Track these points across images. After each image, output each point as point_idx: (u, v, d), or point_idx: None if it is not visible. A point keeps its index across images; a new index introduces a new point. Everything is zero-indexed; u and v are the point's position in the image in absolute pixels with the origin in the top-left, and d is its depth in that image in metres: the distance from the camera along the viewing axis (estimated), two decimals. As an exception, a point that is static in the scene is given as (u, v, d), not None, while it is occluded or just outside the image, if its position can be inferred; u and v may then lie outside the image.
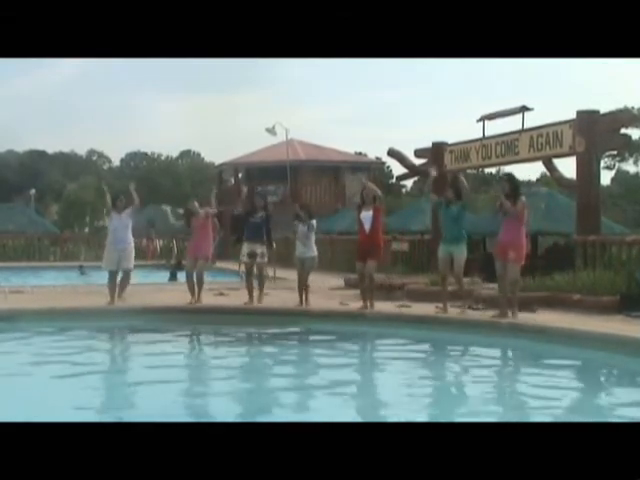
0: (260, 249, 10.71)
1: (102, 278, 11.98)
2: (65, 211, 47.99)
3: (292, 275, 11.54)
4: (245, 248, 10.78)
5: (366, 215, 10.19)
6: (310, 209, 10.99)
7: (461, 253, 9.74)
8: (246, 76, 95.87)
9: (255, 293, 10.76)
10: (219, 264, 19.60)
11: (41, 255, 25.95)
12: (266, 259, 10.83)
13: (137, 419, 5.15)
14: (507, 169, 19.21)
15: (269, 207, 11.13)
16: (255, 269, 10.84)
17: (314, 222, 10.72)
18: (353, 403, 5.83)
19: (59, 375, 6.62)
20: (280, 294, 10.95)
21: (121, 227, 10.86)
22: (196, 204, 11.17)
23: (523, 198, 9.22)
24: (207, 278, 11.45)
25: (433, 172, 10.74)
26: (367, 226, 10.16)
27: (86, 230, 29.27)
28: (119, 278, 10.96)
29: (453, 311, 9.73)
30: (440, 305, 9.91)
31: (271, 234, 10.95)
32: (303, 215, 10.72)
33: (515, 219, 9.06)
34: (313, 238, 10.70)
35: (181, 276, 17.43)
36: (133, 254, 11.10)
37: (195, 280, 10.87)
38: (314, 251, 10.68)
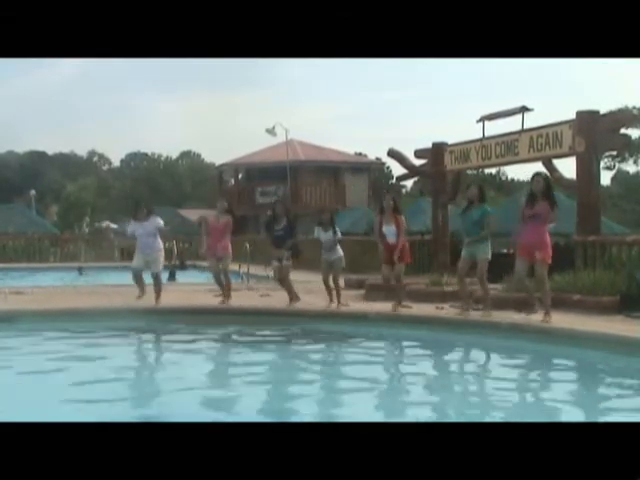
0: (286, 253, 10.75)
1: (101, 279, 12.02)
2: (65, 212, 48.02)
3: (298, 277, 11.56)
4: (274, 253, 10.84)
5: (389, 230, 10.17)
6: (333, 215, 11.00)
7: (484, 255, 9.53)
8: (246, 76, 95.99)
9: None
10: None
11: (41, 256, 25.94)
12: (290, 262, 10.85)
13: (137, 419, 5.15)
14: (507, 169, 19.13)
15: (290, 213, 11.18)
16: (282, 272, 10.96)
17: (338, 231, 10.75)
18: (353, 403, 5.83)
19: (58, 375, 6.63)
20: (283, 295, 10.95)
21: (145, 234, 10.90)
22: (225, 204, 11.29)
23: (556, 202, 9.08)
24: (206, 279, 11.49)
25: None
26: (392, 240, 10.14)
27: (86, 230, 29.31)
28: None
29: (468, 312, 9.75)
30: (440, 305, 9.90)
31: (296, 241, 11.03)
32: (325, 222, 10.69)
33: (541, 220, 8.89)
34: (337, 242, 10.74)
35: (180, 276, 17.58)
36: (161, 259, 11.10)
37: (223, 280, 11.06)
38: (340, 252, 10.70)
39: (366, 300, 11.56)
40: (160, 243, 11.13)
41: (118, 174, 70.67)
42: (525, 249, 8.97)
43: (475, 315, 9.49)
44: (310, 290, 11.94)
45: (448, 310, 9.97)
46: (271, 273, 11.45)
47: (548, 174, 9.40)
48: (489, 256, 9.59)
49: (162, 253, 11.15)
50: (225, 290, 11.03)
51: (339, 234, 10.75)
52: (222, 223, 11.09)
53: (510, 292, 10.26)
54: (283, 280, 10.87)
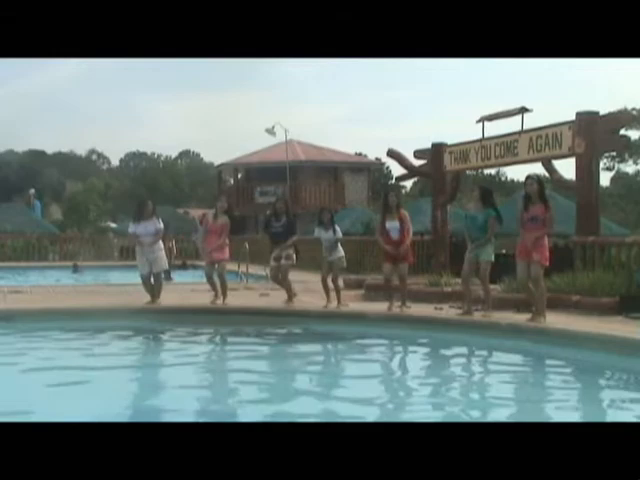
0: (285, 252, 10.70)
1: (97, 277, 11.95)
2: (68, 211, 47.96)
3: (296, 277, 11.55)
4: (274, 253, 10.80)
5: (392, 226, 10.10)
6: (332, 215, 10.93)
7: (488, 257, 9.53)
8: (246, 76, 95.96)
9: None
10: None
11: (40, 255, 25.91)
12: (291, 261, 10.80)
13: (137, 419, 5.15)
14: (506, 170, 19.08)
15: (290, 211, 11.10)
16: (279, 272, 10.90)
17: (339, 230, 10.69)
18: (353, 403, 5.83)
19: (58, 375, 6.62)
20: (282, 295, 10.95)
21: (147, 235, 10.83)
22: (225, 205, 11.23)
23: (549, 203, 9.10)
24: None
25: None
26: (395, 236, 10.07)
27: (86, 230, 29.54)
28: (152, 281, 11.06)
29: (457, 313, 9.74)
30: (439, 306, 9.89)
31: (294, 238, 10.86)
32: (326, 222, 10.64)
33: (539, 222, 8.89)
34: (338, 242, 10.69)
35: (180, 276, 17.54)
36: (163, 258, 11.07)
37: (219, 283, 11.00)
38: (341, 252, 10.63)
39: (366, 300, 11.55)
40: (160, 243, 11.11)
41: (118, 173, 70.65)
42: (523, 251, 8.98)
43: (475, 315, 9.49)
44: (309, 290, 11.93)
45: (447, 311, 9.97)
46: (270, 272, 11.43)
47: (542, 175, 9.38)
48: (492, 258, 9.60)
49: (163, 252, 11.12)
50: (222, 291, 10.99)
51: (340, 234, 10.72)
52: (219, 224, 11.02)
53: (510, 292, 10.26)
54: (282, 280, 10.85)
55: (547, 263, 8.92)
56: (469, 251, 9.66)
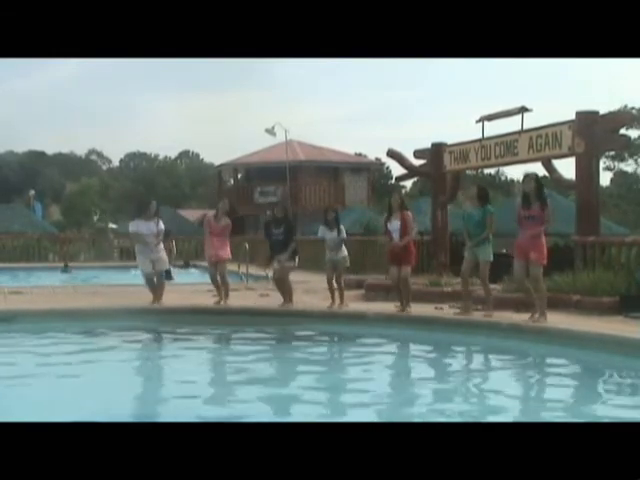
0: (286, 254, 10.62)
1: (90, 277, 11.87)
2: (67, 211, 47.98)
3: (295, 277, 11.54)
4: (276, 259, 10.71)
5: (394, 225, 10.05)
6: (338, 214, 10.83)
7: (486, 256, 9.54)
8: (246, 76, 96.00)
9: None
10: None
11: (40, 256, 25.90)
12: (292, 264, 10.72)
13: (137, 419, 5.15)
14: (506, 170, 19.09)
15: (290, 216, 11.06)
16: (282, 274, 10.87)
17: (344, 230, 10.61)
18: (353, 404, 5.83)
19: (58, 375, 6.62)
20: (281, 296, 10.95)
21: (150, 235, 10.89)
22: (227, 206, 11.24)
23: (548, 201, 9.08)
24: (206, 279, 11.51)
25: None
26: (396, 236, 10.02)
27: (86, 230, 29.52)
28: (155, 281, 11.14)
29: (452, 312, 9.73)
30: (440, 306, 9.89)
31: (294, 245, 10.78)
32: (330, 221, 10.53)
33: (536, 220, 8.91)
34: (343, 242, 10.62)
35: (180, 276, 17.51)
36: (165, 258, 11.21)
37: (220, 283, 11.02)
38: (344, 252, 10.54)
39: (366, 300, 11.55)
40: (161, 243, 11.18)
41: (118, 174, 70.67)
42: (521, 250, 8.99)
43: (476, 315, 9.50)
44: (310, 290, 11.93)
45: (447, 310, 9.97)
46: (270, 273, 11.42)
47: (539, 174, 9.39)
48: (491, 258, 9.59)
49: (164, 252, 11.22)
50: (223, 292, 10.99)
51: (344, 234, 10.63)
52: (222, 225, 11.04)
53: (509, 292, 10.27)
54: (283, 280, 10.79)
55: (544, 262, 8.93)
56: (467, 250, 9.68)
